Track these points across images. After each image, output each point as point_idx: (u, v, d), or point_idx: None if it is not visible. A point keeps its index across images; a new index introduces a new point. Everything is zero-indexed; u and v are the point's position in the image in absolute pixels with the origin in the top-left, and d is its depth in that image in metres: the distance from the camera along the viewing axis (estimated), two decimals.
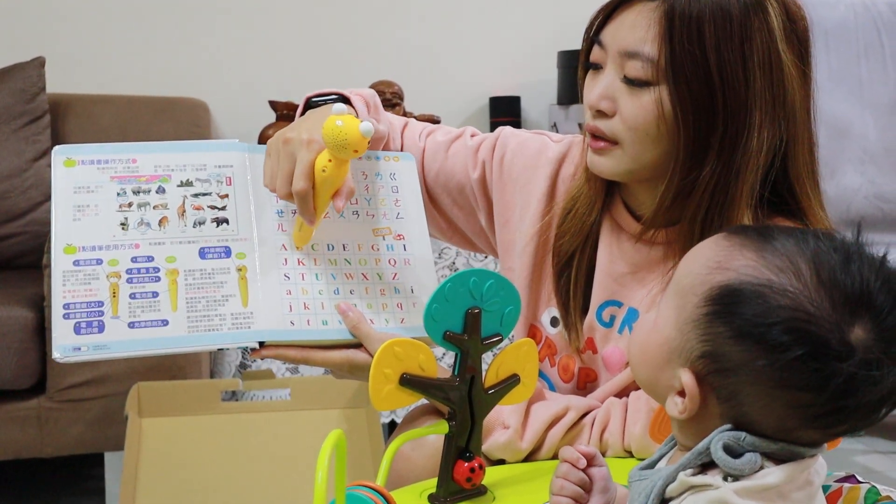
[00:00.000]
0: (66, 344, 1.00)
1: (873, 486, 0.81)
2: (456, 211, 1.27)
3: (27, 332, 2.04)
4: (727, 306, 0.67)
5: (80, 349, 1.01)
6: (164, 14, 2.85)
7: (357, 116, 1.16)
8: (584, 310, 1.16)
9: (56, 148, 1.11)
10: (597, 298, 1.15)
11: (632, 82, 1.03)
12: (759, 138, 1.02)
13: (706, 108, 1.01)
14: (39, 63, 2.53)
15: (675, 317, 0.71)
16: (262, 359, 1.08)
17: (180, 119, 2.71)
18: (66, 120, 2.62)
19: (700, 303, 0.69)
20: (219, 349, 1.07)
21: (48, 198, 2.45)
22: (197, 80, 2.85)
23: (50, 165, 2.54)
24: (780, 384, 0.66)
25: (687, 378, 0.69)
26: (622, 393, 1.12)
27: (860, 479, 0.82)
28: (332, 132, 1.01)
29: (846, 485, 0.82)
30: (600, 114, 1.06)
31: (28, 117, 2.48)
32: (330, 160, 1.04)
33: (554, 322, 1.19)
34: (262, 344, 1.06)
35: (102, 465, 2.17)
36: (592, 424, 1.08)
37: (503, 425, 1.07)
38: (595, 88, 1.06)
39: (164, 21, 2.85)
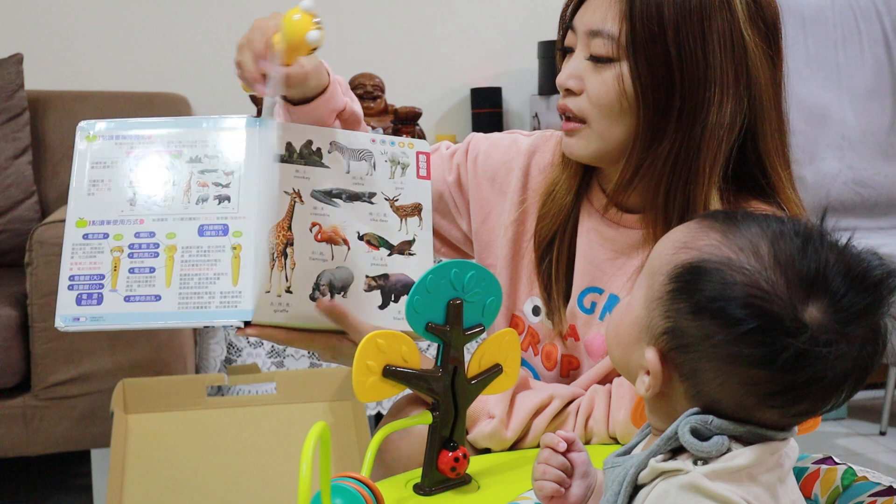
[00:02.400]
0: (67, 314, 1.06)
1: (850, 467, 0.82)
2: (438, 220, 1.28)
3: (10, 330, 2.03)
4: (688, 283, 0.69)
5: (79, 319, 1.07)
6: (142, 9, 2.84)
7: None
8: (567, 297, 1.17)
9: (81, 123, 1.16)
10: (578, 285, 1.17)
11: (596, 59, 1.06)
12: (719, 114, 1.04)
13: (664, 83, 1.03)
14: (17, 60, 2.52)
15: (644, 296, 0.73)
16: (247, 337, 1.10)
17: (160, 114, 2.69)
18: (45, 117, 2.61)
19: (665, 281, 0.71)
20: (205, 326, 1.10)
21: (29, 195, 2.46)
22: (177, 74, 2.84)
23: (30, 163, 2.53)
24: (733, 360, 0.67)
25: (650, 355, 0.71)
26: (605, 380, 1.13)
27: (837, 460, 0.84)
28: (287, 23, 1.04)
29: (823, 466, 0.83)
30: (569, 92, 1.09)
31: (7, 115, 2.47)
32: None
33: (536, 311, 1.20)
34: (247, 323, 1.07)
35: (89, 462, 2.17)
36: (577, 412, 1.10)
37: (488, 415, 1.08)
38: (565, 69, 1.10)
39: (143, 16, 2.84)
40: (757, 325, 0.66)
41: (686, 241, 0.71)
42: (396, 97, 2.82)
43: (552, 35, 2.80)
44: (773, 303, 0.66)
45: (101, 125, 1.15)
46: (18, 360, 2.05)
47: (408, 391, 1.09)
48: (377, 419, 2.44)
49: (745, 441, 0.69)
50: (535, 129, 2.94)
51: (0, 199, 2.43)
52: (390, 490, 0.93)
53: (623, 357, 0.75)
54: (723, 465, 0.67)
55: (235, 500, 1.89)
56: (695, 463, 0.67)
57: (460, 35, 3.03)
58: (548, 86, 2.87)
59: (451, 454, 0.95)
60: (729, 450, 0.68)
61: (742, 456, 0.67)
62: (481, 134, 1.29)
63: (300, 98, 1.15)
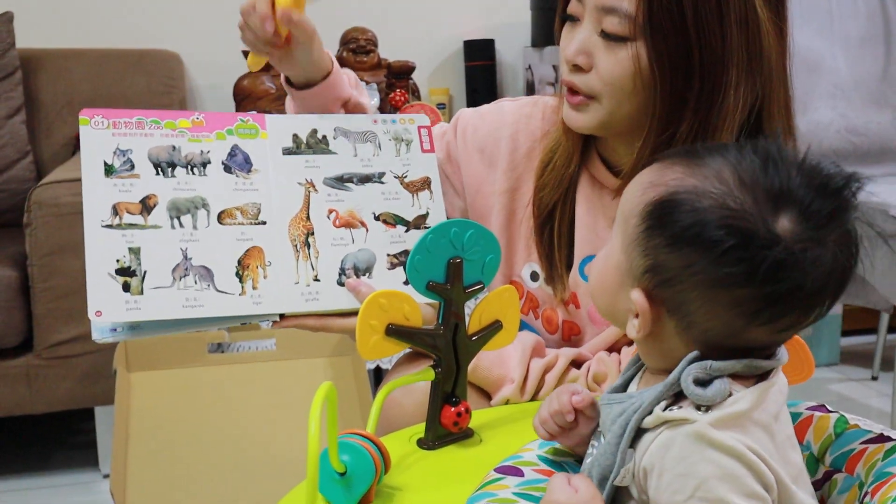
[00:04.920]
0: (103, 325, 1.05)
1: (842, 415, 0.84)
2: None
3: (11, 290, 2.05)
4: (660, 218, 0.71)
5: (115, 330, 1.06)
6: None
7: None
8: (568, 265, 1.18)
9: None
10: (579, 253, 1.17)
11: (609, 37, 1.03)
12: (735, 96, 1.03)
13: (683, 64, 1.02)
14: (8, 18, 2.50)
15: (620, 241, 0.75)
16: (283, 328, 1.12)
17: (153, 71, 2.70)
18: (37, 75, 2.60)
19: (638, 222, 0.73)
20: (242, 323, 1.09)
21: (24, 155, 2.46)
22: (169, 31, 2.83)
23: (24, 122, 2.52)
24: (716, 283, 0.69)
25: (636, 295, 0.72)
26: (611, 348, 1.16)
27: (830, 408, 0.86)
28: None
29: (816, 413, 0.85)
30: (577, 68, 1.07)
31: None
32: None
33: (534, 276, 1.22)
34: (282, 316, 1.10)
35: (93, 419, 2.20)
36: (587, 373, 1.13)
37: (510, 380, 1.12)
38: (572, 43, 1.06)
39: None
40: (733, 242, 0.67)
41: (652, 180, 0.73)
42: (389, 51, 2.81)
43: None
44: (744, 219, 0.68)
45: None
46: (20, 320, 2.07)
47: (409, 349, 1.11)
48: (376, 374, 2.46)
49: (743, 377, 0.71)
50: (528, 81, 2.94)
51: None
52: (394, 445, 0.95)
53: (610, 305, 0.77)
54: (726, 412, 0.69)
55: (238, 454, 1.92)
56: (698, 408, 0.70)
57: None
58: (541, 38, 2.85)
59: (453, 409, 0.97)
60: (730, 394, 0.70)
61: (743, 400, 0.69)
62: (469, 109, 1.29)
63: (304, 82, 1.19)
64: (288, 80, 1.22)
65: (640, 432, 0.72)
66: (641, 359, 0.79)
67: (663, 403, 0.72)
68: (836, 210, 0.69)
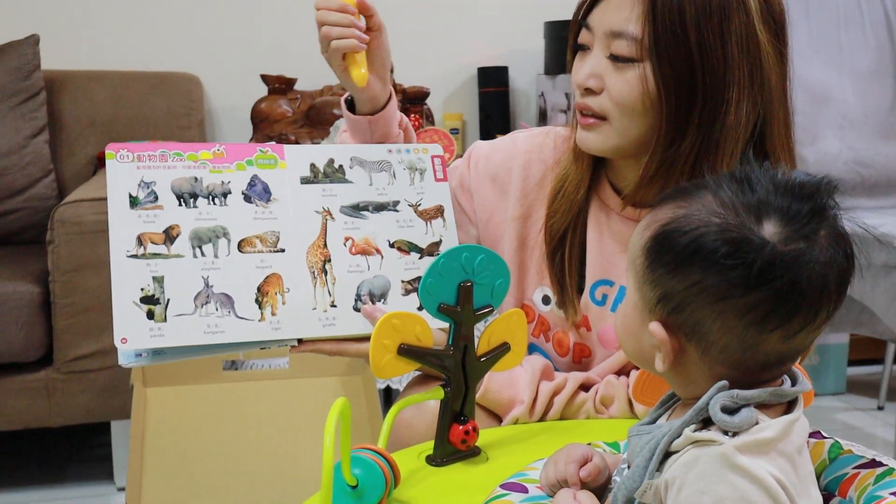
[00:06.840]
0: (129, 351, 1.08)
1: (836, 441, 0.87)
2: None
3: (33, 306, 2.09)
4: (659, 250, 0.76)
5: (140, 355, 1.09)
6: None
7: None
8: (580, 289, 1.22)
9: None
10: (590, 278, 1.21)
11: (618, 59, 1.08)
12: (736, 114, 1.08)
13: (687, 83, 1.07)
14: (34, 41, 2.56)
15: (633, 283, 0.79)
16: (301, 353, 1.16)
17: (173, 93, 2.75)
18: (61, 96, 2.66)
19: (643, 260, 0.77)
20: (261, 348, 1.12)
21: (47, 174, 2.51)
22: (189, 54, 2.88)
23: (47, 142, 2.57)
24: (720, 294, 0.73)
25: (654, 326, 0.76)
26: (620, 371, 1.20)
27: (825, 434, 0.89)
28: None
29: (812, 440, 0.87)
30: (588, 91, 1.12)
31: (24, 95, 2.51)
32: None
33: (545, 300, 1.25)
34: (300, 341, 1.13)
35: (109, 433, 2.24)
36: (595, 396, 1.17)
37: (521, 401, 1.16)
38: (583, 68, 1.12)
39: None
40: (727, 249, 0.72)
41: (647, 223, 0.78)
42: (404, 76, 2.86)
43: (558, 15, 2.84)
44: (731, 231, 0.73)
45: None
46: (41, 335, 2.12)
47: (419, 370, 1.15)
48: (386, 393, 2.49)
49: (769, 406, 0.75)
50: (540, 108, 2.98)
51: (19, 178, 2.47)
52: (404, 461, 0.98)
53: (636, 346, 0.81)
54: (751, 438, 0.72)
55: (251, 469, 1.95)
56: (725, 433, 0.73)
57: (467, 15, 3.06)
58: (554, 66, 2.90)
59: (461, 427, 1.01)
60: (757, 422, 0.73)
61: (769, 429, 0.73)
62: (484, 142, 1.33)
63: (377, 102, 1.25)
64: (351, 109, 1.26)
65: (666, 456, 0.75)
66: (674, 390, 0.82)
67: (693, 426, 0.75)
68: (815, 209, 0.74)
